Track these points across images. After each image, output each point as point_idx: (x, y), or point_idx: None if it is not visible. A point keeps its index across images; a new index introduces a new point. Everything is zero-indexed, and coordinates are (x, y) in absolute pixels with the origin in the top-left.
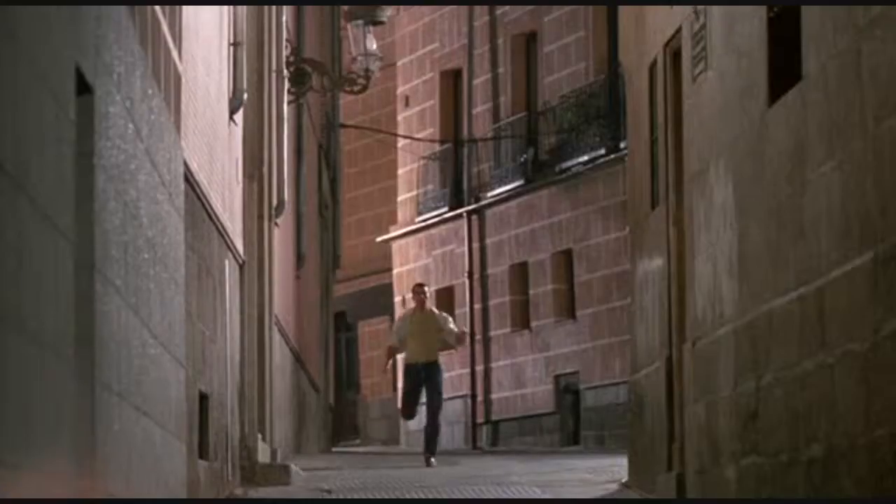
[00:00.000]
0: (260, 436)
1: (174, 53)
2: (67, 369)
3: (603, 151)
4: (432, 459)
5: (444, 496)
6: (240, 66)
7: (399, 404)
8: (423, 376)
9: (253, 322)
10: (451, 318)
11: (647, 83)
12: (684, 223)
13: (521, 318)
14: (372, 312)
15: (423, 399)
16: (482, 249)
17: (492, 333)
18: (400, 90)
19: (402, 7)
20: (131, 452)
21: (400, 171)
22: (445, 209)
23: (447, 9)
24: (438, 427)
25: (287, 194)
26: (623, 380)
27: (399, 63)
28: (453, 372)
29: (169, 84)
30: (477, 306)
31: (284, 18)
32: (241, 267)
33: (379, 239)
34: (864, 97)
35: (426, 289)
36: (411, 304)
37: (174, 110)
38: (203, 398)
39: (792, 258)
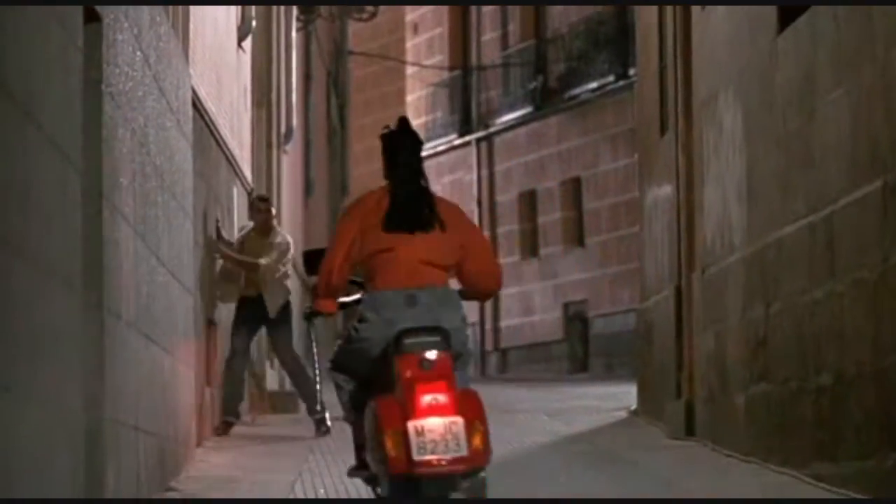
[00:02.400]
0: (268, 363)
1: None
2: (76, 297)
3: (612, 79)
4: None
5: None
6: None
7: None
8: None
9: None
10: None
11: (657, 10)
12: (693, 150)
13: (530, 245)
14: None
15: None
16: (491, 177)
17: (500, 261)
18: (408, 17)
19: None
20: (140, 379)
21: (408, 99)
22: (454, 136)
23: None
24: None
25: (295, 122)
26: (632, 307)
27: None
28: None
29: (177, 11)
30: (485, 234)
31: None
32: (250, 194)
33: None
34: (874, 25)
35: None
36: None
37: (182, 37)
38: (211, 325)
39: (801, 186)
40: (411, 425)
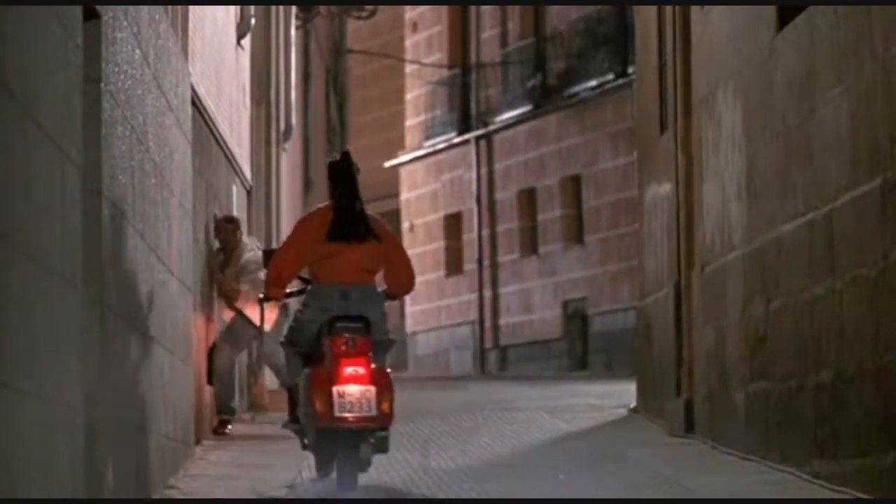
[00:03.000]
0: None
1: None
2: (75, 294)
3: (611, 76)
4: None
5: (452, 421)
6: None
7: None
8: None
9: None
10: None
11: (656, 8)
12: (692, 148)
13: (530, 243)
14: None
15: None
16: (490, 175)
17: (500, 259)
18: (408, 15)
19: None
20: (139, 377)
21: (408, 97)
22: (453, 134)
23: None
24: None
25: (295, 120)
26: (631, 305)
27: None
28: (461, 297)
29: (176, 9)
30: (485, 232)
31: None
32: (249, 192)
33: (387, 164)
34: (873, 22)
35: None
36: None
37: (181, 35)
38: (210, 323)
39: (800, 183)
40: (335, 389)
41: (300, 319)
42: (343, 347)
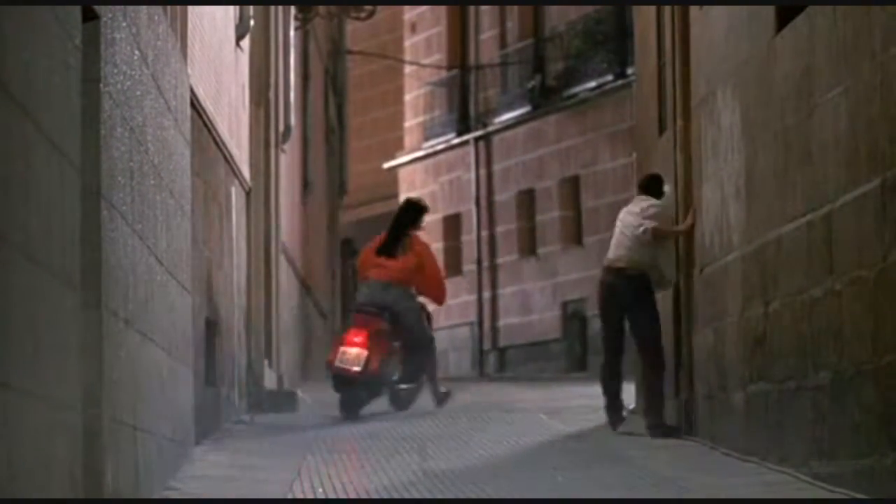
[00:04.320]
0: (266, 362)
1: None
2: (74, 296)
3: (610, 77)
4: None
5: (451, 422)
6: None
7: None
8: None
9: (259, 249)
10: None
11: (655, 8)
12: (691, 149)
13: (528, 244)
14: None
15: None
16: (489, 176)
17: (499, 260)
18: (407, 16)
19: None
20: (138, 379)
21: (407, 98)
22: (452, 135)
23: None
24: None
25: (293, 120)
26: None
27: None
28: (460, 298)
29: (175, 10)
30: (484, 233)
31: None
32: (248, 193)
33: (386, 165)
34: (872, 22)
35: None
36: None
37: (180, 36)
38: (210, 325)
39: (799, 184)
40: (341, 349)
41: (356, 299)
42: (357, 320)
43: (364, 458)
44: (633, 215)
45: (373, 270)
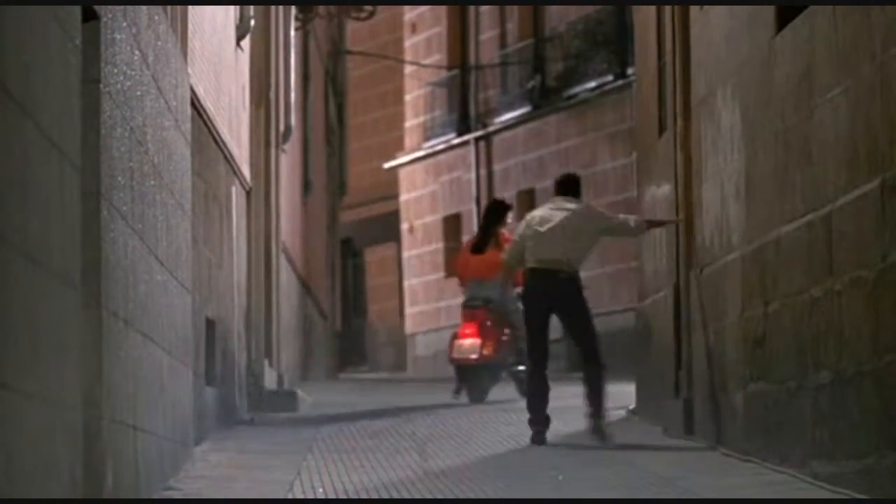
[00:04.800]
0: (267, 362)
1: None
2: (74, 296)
3: (610, 77)
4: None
5: (451, 422)
6: None
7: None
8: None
9: (259, 249)
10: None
11: (655, 8)
12: (691, 149)
13: None
14: (379, 239)
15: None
16: (489, 176)
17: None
18: (407, 17)
19: None
20: (138, 378)
21: (407, 98)
22: (453, 135)
23: None
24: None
25: (294, 121)
26: (630, 306)
27: None
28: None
29: (175, 10)
30: None
31: None
32: (248, 193)
33: (386, 165)
34: (872, 23)
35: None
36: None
37: (181, 36)
38: (210, 324)
39: (799, 184)
40: (456, 343)
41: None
42: (467, 314)
43: (364, 457)
44: (579, 216)
45: (470, 269)
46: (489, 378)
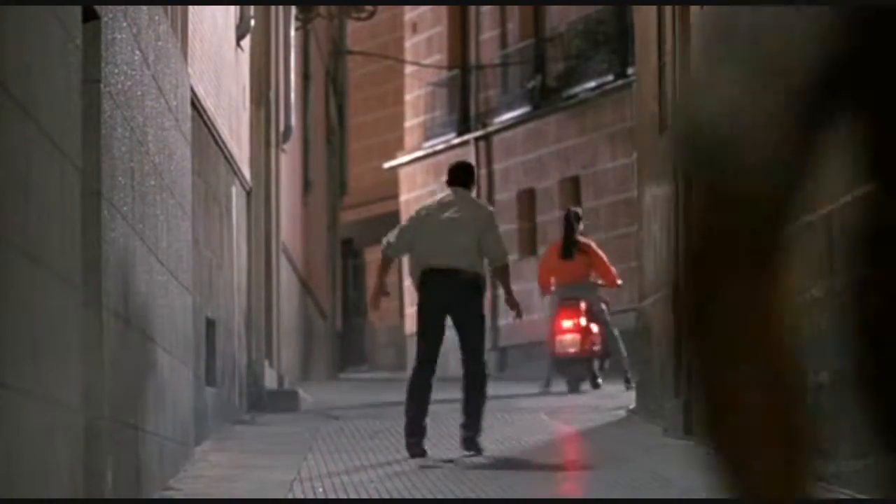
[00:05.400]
0: (267, 362)
1: None
2: (75, 295)
3: (611, 77)
4: None
5: (451, 422)
6: None
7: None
8: None
9: (260, 249)
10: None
11: (656, 8)
12: None
13: (529, 244)
14: (379, 239)
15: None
16: (490, 176)
17: None
18: (407, 16)
19: None
20: (138, 378)
21: (407, 98)
22: (453, 135)
23: None
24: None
25: (294, 121)
26: (630, 306)
27: None
28: None
29: (176, 10)
30: None
31: None
32: (248, 193)
33: (386, 165)
34: None
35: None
36: None
37: (181, 36)
38: (210, 324)
39: None
40: (557, 338)
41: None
42: (563, 312)
43: (364, 457)
44: (482, 213)
45: (559, 273)
46: (584, 370)
